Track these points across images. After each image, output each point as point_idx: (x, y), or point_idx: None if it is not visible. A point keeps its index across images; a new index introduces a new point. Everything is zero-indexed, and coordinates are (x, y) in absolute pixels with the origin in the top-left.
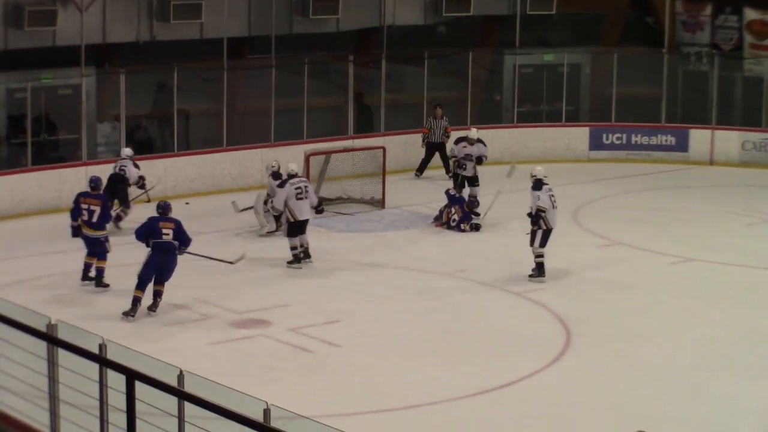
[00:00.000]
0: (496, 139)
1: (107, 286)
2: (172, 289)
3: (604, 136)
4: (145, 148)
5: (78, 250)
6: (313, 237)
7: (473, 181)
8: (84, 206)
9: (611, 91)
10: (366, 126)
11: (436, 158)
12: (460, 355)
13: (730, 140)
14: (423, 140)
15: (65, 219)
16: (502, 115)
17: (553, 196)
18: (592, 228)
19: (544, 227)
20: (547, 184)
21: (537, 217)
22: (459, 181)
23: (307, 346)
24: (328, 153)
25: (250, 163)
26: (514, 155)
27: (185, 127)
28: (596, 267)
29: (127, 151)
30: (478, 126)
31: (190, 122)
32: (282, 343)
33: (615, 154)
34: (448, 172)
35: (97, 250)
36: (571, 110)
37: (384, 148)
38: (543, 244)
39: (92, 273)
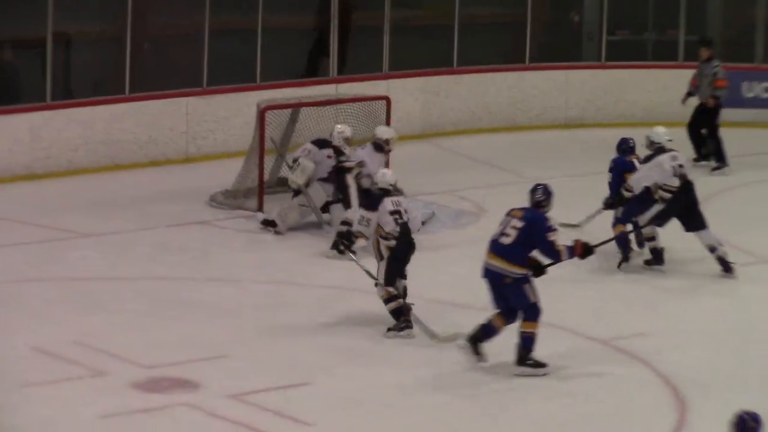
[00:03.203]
0: (571, 89)
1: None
2: (42, 324)
3: (745, 84)
4: None
5: None
6: None
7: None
8: None
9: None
10: None
11: None
12: None
13: None
14: (685, 98)
15: None
16: (582, 48)
17: None
18: None
19: None
20: None
21: None
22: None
23: (256, 425)
24: None
25: None
26: (596, 117)
27: None
28: None
29: None
30: (538, 64)
31: None
32: (215, 417)
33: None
34: (700, 155)
35: None
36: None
37: (388, 99)
38: None
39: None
